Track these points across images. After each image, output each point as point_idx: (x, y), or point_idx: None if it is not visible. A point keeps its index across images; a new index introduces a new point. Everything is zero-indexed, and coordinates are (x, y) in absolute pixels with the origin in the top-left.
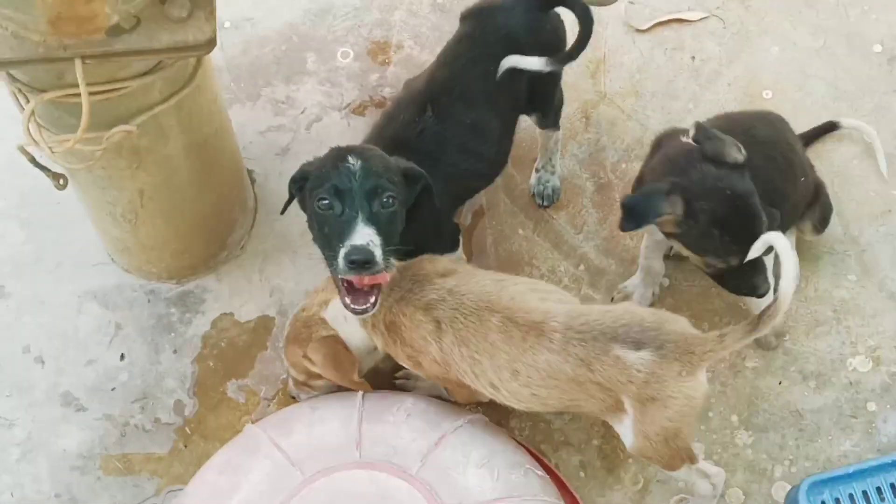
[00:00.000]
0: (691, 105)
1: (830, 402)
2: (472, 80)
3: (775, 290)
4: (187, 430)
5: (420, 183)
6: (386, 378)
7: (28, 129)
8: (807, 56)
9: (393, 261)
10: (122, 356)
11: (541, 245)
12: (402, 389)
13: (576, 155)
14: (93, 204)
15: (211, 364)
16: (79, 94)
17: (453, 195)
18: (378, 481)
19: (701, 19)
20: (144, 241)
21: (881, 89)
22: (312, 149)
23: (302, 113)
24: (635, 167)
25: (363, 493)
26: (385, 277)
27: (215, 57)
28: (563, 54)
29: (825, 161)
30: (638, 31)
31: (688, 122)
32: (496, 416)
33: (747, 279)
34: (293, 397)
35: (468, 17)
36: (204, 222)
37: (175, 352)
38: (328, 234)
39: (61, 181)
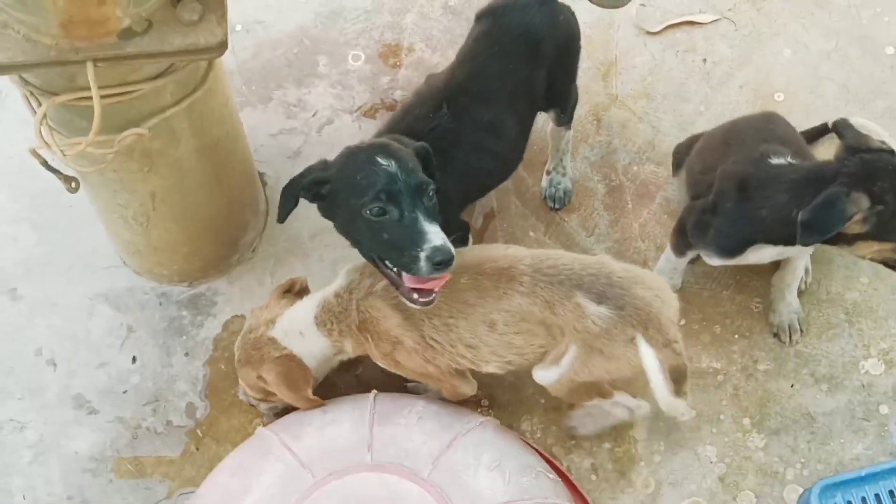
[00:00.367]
0: (703, 107)
1: (843, 405)
2: (490, 79)
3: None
4: (199, 432)
5: (422, 156)
6: (396, 382)
7: (40, 132)
8: (819, 58)
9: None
10: (134, 359)
11: (552, 247)
12: (414, 393)
13: (587, 157)
14: (104, 207)
15: (222, 367)
16: (90, 97)
17: (464, 193)
18: (389, 484)
19: (712, 21)
20: (156, 244)
21: (893, 91)
22: (324, 152)
23: (313, 116)
24: (647, 169)
25: (374, 495)
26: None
27: (227, 60)
28: None
29: None
30: (649, 33)
31: (699, 125)
32: (508, 418)
33: None
34: (252, 405)
35: (484, 16)
36: (215, 225)
37: (187, 354)
38: (391, 242)
39: (73, 184)
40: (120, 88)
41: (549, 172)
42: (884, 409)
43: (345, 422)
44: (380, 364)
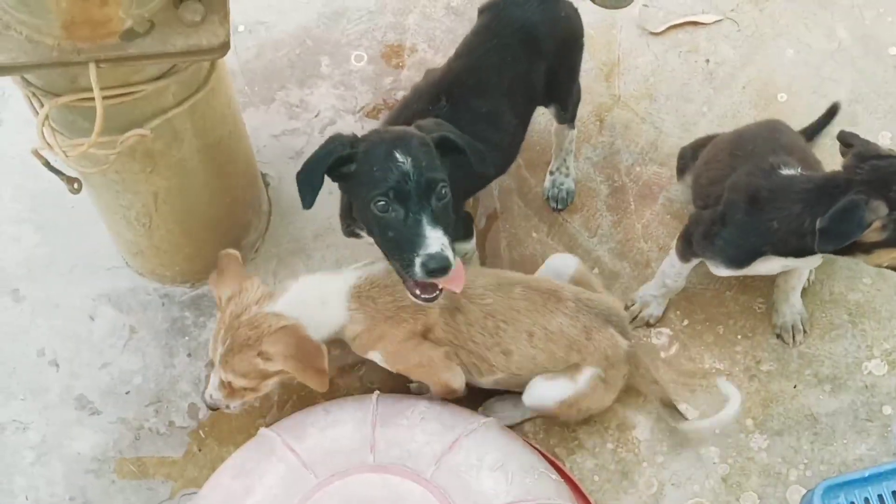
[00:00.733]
0: (706, 108)
1: (846, 406)
2: (487, 71)
3: None
4: (201, 433)
5: (455, 146)
6: (398, 383)
7: (42, 132)
8: (822, 59)
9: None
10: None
11: (555, 248)
12: (417, 394)
13: (590, 158)
14: (107, 207)
15: None
16: (93, 98)
17: (465, 185)
18: (392, 485)
19: (715, 22)
20: (158, 245)
21: None
22: None
23: (316, 116)
24: (650, 170)
25: (377, 496)
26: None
27: (229, 61)
28: None
29: (839, 163)
30: (652, 34)
31: (702, 126)
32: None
33: None
34: (213, 408)
35: (485, 9)
36: (218, 225)
37: (189, 355)
38: (395, 240)
39: (75, 185)
40: (122, 89)
41: (552, 173)
42: (887, 410)
43: (347, 422)
44: (371, 356)
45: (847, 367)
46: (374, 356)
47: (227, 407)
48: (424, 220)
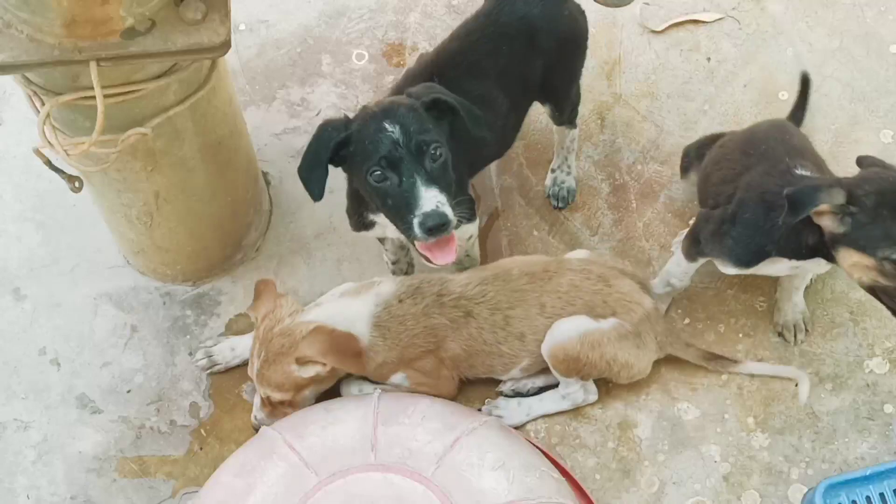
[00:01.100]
0: (707, 106)
1: (847, 405)
2: (481, 56)
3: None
4: (203, 432)
5: (449, 107)
6: None
7: (43, 131)
8: (823, 57)
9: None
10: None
11: (556, 247)
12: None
13: (591, 156)
14: (108, 206)
15: None
16: (94, 97)
17: (466, 160)
18: (393, 483)
19: (716, 20)
20: (160, 244)
21: None
22: None
23: (317, 115)
24: (651, 168)
25: (378, 495)
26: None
27: (230, 59)
28: None
29: (842, 162)
30: (653, 32)
31: (703, 124)
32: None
33: None
34: (257, 429)
35: None
36: (219, 224)
37: (190, 354)
38: (394, 206)
39: (76, 184)
40: (123, 88)
41: (553, 171)
42: (888, 409)
43: (349, 421)
44: (394, 380)
45: (848, 365)
46: (397, 378)
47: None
48: (419, 182)
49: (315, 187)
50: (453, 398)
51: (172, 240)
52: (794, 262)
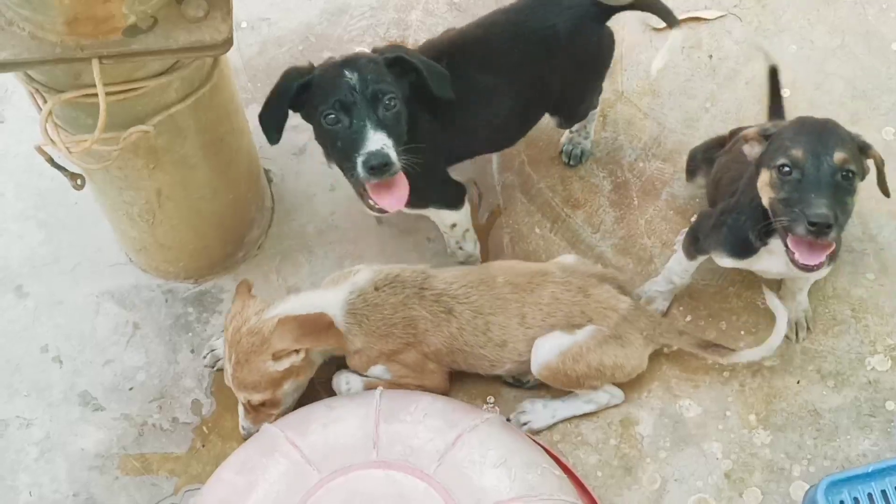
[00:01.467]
0: (709, 104)
1: (849, 402)
2: (498, 53)
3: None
4: (205, 429)
5: (413, 67)
6: None
7: (46, 129)
8: (825, 55)
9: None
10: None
11: (558, 244)
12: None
13: (593, 154)
14: (110, 204)
15: None
16: (96, 95)
17: (448, 151)
18: (395, 481)
19: (718, 18)
20: (162, 241)
21: None
22: None
23: None
24: (653, 166)
25: (380, 492)
26: (402, 179)
27: (232, 57)
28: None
29: None
30: (655, 29)
31: (705, 121)
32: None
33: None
34: (246, 437)
35: None
36: (221, 222)
37: (192, 351)
38: (342, 148)
39: (79, 181)
40: (125, 85)
41: (571, 132)
42: (890, 406)
43: (350, 419)
44: (373, 371)
45: (850, 362)
46: (377, 370)
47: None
48: (368, 126)
49: (272, 132)
50: (445, 392)
51: (174, 237)
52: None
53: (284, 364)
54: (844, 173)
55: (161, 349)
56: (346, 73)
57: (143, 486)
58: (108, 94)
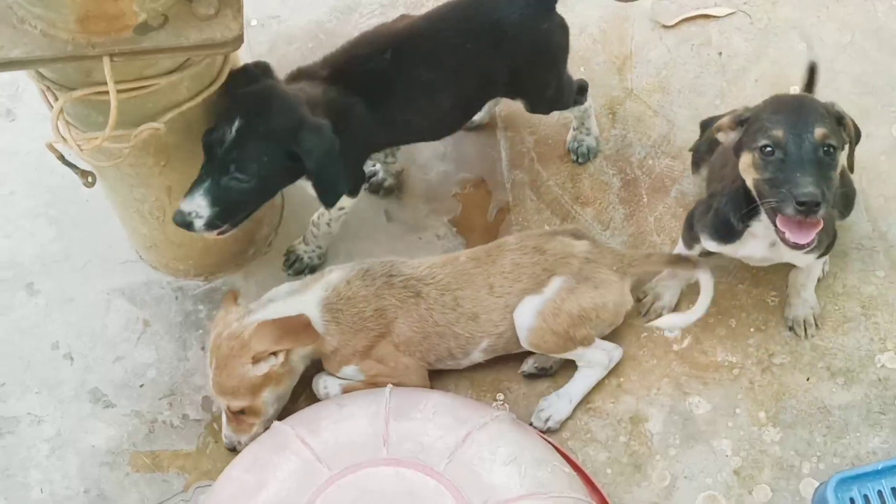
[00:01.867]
0: (718, 101)
1: (859, 399)
2: (444, 46)
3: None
4: (215, 426)
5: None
6: None
7: (57, 126)
8: (834, 52)
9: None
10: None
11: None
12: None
13: (602, 151)
14: (121, 201)
15: None
16: (107, 92)
17: (384, 137)
18: (405, 478)
19: (727, 15)
20: (172, 239)
21: None
22: None
23: None
24: (662, 163)
25: (390, 489)
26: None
27: (242, 55)
28: None
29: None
30: (664, 26)
31: None
32: (523, 413)
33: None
34: (231, 449)
35: None
36: None
37: (203, 348)
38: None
39: (89, 179)
40: (136, 83)
41: (573, 129)
42: None
43: (360, 416)
44: (346, 372)
45: (860, 359)
46: (349, 371)
47: (240, 443)
48: (198, 182)
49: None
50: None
51: (184, 235)
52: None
53: (263, 368)
54: (826, 148)
55: (171, 346)
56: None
57: (154, 483)
58: (119, 91)
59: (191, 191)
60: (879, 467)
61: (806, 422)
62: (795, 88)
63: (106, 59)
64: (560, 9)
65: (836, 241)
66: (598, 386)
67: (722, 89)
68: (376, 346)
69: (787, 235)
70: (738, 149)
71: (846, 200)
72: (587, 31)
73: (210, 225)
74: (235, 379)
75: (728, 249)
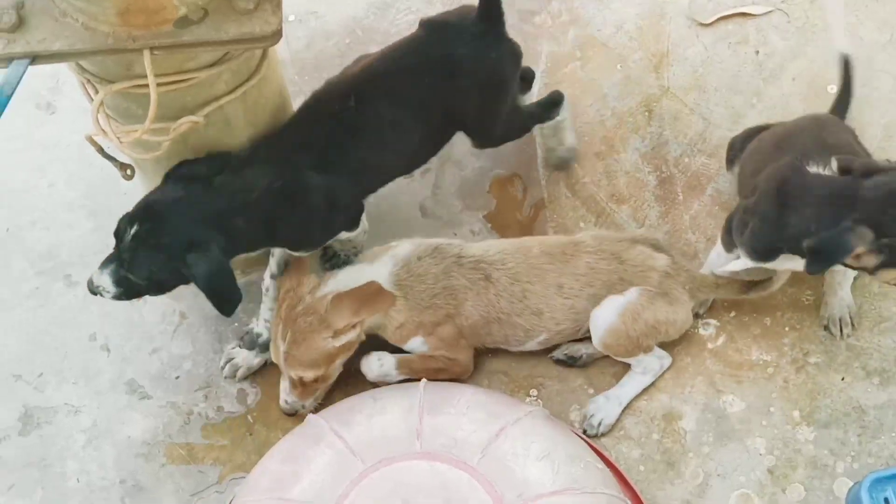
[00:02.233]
0: (755, 100)
1: (894, 399)
2: (404, 84)
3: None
4: (250, 418)
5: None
6: None
7: (97, 119)
8: (873, 51)
9: None
10: None
11: None
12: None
13: (638, 149)
14: None
15: None
16: (147, 85)
17: (360, 185)
18: (438, 472)
19: (765, 13)
20: None
21: None
22: None
23: None
24: (698, 161)
25: (423, 483)
26: None
27: (280, 50)
28: None
29: (892, 156)
30: (701, 25)
31: (751, 117)
32: (556, 409)
33: None
34: (292, 414)
35: (424, 24)
36: None
37: (241, 339)
38: None
39: (128, 171)
40: (176, 76)
41: (543, 136)
42: None
43: (394, 410)
44: (411, 344)
45: None
46: (415, 342)
47: (303, 407)
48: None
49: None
50: (468, 372)
51: None
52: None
53: (342, 340)
54: None
55: (207, 338)
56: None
57: (189, 475)
58: (158, 84)
59: (102, 265)
60: None
61: (841, 421)
62: (833, 87)
63: (146, 53)
64: (597, 6)
65: None
66: None
67: (758, 88)
68: (443, 324)
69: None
70: (879, 267)
71: None
72: (624, 29)
73: (120, 298)
74: (314, 352)
75: (769, 266)
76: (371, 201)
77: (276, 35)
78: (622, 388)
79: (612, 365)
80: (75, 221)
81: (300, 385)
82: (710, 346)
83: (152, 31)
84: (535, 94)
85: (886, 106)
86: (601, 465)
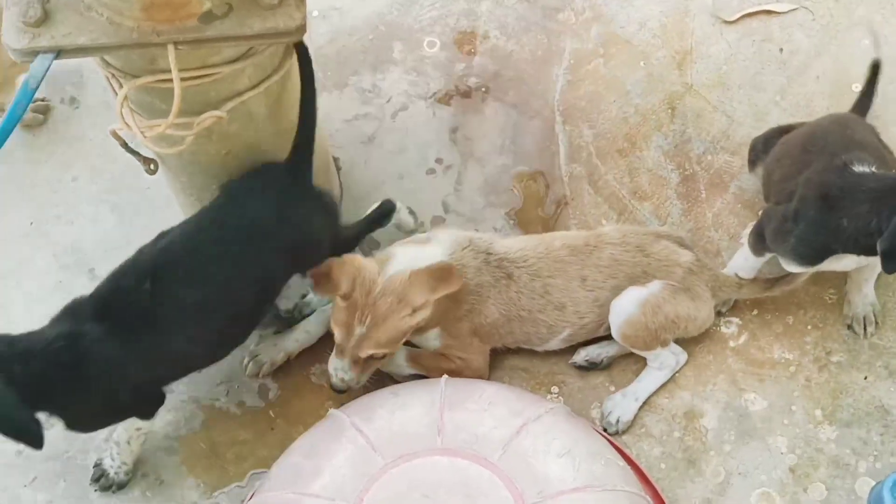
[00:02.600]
0: (778, 97)
1: None
2: (206, 260)
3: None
4: (272, 413)
5: None
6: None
7: (121, 113)
8: None
9: None
10: None
11: None
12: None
13: (661, 146)
14: (182, 189)
15: None
16: (171, 80)
17: (155, 372)
18: (459, 468)
19: (789, 11)
20: None
21: None
22: (397, 138)
23: (388, 102)
24: (721, 159)
25: (444, 479)
26: None
27: None
28: None
29: None
30: (725, 22)
31: (774, 115)
32: (577, 406)
33: None
34: (341, 391)
35: (225, 187)
36: None
37: (260, 336)
38: None
39: (152, 166)
40: (199, 71)
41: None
42: None
43: (415, 406)
44: (427, 336)
45: None
46: (430, 334)
47: (357, 384)
48: None
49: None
50: (484, 376)
51: None
52: (860, 258)
53: (419, 317)
54: None
55: None
56: None
57: (211, 469)
58: (182, 79)
59: None
60: None
61: (863, 420)
62: (857, 86)
63: (170, 47)
64: (621, 3)
65: None
66: None
67: (782, 86)
68: (462, 320)
69: None
70: None
71: None
72: (647, 26)
73: None
74: (393, 331)
75: (813, 269)
76: (395, 196)
77: (300, 30)
78: (638, 384)
79: (634, 363)
80: (98, 216)
81: (362, 363)
82: (732, 343)
83: (177, 25)
84: (557, 91)
85: None
86: (622, 462)
